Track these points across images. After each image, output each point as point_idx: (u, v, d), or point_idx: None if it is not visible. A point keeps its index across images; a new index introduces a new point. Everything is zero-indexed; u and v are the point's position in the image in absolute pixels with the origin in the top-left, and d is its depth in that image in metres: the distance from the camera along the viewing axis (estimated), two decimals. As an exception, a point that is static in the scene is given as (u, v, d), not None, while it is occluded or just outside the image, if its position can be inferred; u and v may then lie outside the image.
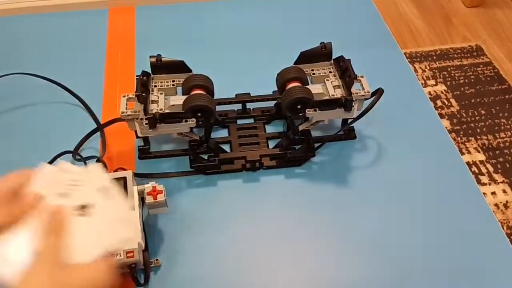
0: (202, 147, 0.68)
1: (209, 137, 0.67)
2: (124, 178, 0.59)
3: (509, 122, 1.49)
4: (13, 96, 0.80)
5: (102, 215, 0.39)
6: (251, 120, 0.76)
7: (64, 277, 0.37)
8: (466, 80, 1.62)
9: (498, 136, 1.45)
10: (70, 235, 0.37)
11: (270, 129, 0.75)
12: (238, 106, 0.76)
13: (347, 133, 0.74)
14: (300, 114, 0.66)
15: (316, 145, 0.71)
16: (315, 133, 0.73)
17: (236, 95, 0.76)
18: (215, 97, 0.68)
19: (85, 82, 0.82)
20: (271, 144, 0.73)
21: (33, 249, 0.37)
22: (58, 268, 0.37)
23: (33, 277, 0.36)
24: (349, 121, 0.71)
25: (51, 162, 0.66)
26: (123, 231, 0.38)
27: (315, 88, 0.66)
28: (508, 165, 1.37)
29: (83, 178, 0.41)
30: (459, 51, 1.75)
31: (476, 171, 1.36)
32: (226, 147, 0.72)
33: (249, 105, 0.76)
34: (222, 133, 0.74)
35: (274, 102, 0.76)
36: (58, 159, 0.67)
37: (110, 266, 0.38)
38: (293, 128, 0.68)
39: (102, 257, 0.39)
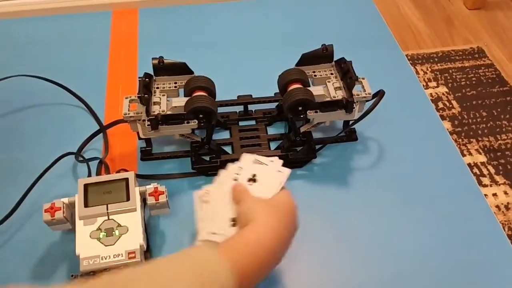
0: (204, 149, 0.69)
1: (210, 138, 0.67)
2: (126, 179, 0.59)
3: (511, 124, 1.49)
4: (16, 98, 0.80)
5: (264, 175, 0.56)
6: (253, 122, 0.76)
7: (271, 204, 0.52)
8: (468, 82, 1.62)
9: (499, 138, 1.45)
10: (252, 195, 0.54)
11: (271, 130, 0.75)
12: (240, 108, 0.76)
13: (349, 134, 0.74)
14: (301, 116, 0.66)
15: (317, 146, 0.71)
16: (316, 135, 0.73)
17: (238, 96, 0.76)
18: (217, 99, 0.68)
19: (88, 84, 0.82)
20: (273, 145, 0.73)
21: (232, 216, 0.53)
22: (263, 202, 0.52)
23: (257, 217, 0.49)
24: (351, 122, 0.71)
25: (53, 164, 0.66)
26: (281, 175, 0.57)
27: (316, 90, 0.66)
28: (509, 167, 1.37)
29: (243, 164, 0.59)
30: (460, 53, 1.75)
31: (478, 172, 1.36)
32: (228, 149, 0.72)
33: (251, 107, 0.77)
34: (224, 134, 0.75)
35: (276, 104, 0.76)
36: (61, 160, 0.67)
37: (287, 192, 0.55)
38: (295, 129, 0.68)
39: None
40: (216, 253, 0.45)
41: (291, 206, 0.53)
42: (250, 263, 0.46)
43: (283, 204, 0.52)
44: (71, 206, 0.59)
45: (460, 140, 1.44)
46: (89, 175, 0.67)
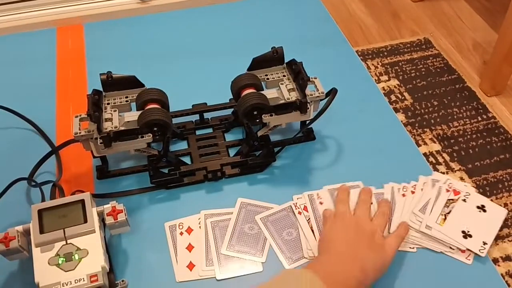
0: (162, 162, 0.68)
1: (167, 150, 0.66)
2: (82, 201, 0.57)
3: (461, 110, 1.53)
4: (-41, 125, 0.77)
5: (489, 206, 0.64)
6: (210, 130, 0.76)
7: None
8: (417, 73, 1.66)
9: (451, 125, 1.49)
10: None
11: (229, 137, 0.75)
12: (196, 117, 0.75)
13: (306, 134, 0.75)
14: (257, 120, 0.66)
15: (276, 149, 0.71)
16: (274, 138, 0.73)
17: (192, 105, 0.75)
18: (171, 110, 0.67)
19: (37, 105, 0.80)
20: (232, 152, 0.72)
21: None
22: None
23: None
24: (307, 122, 0.71)
25: (5, 191, 0.63)
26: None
27: (270, 93, 0.66)
28: (463, 153, 1.41)
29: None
30: (408, 45, 1.79)
31: (434, 161, 1.39)
32: (187, 159, 0.71)
33: (207, 115, 0.76)
34: (182, 145, 0.74)
35: (232, 110, 0.76)
36: (12, 186, 0.65)
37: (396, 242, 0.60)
38: (252, 134, 0.68)
39: None
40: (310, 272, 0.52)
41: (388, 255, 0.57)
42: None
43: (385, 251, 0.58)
44: (26, 233, 0.56)
45: (415, 130, 1.47)
46: (43, 200, 0.64)
